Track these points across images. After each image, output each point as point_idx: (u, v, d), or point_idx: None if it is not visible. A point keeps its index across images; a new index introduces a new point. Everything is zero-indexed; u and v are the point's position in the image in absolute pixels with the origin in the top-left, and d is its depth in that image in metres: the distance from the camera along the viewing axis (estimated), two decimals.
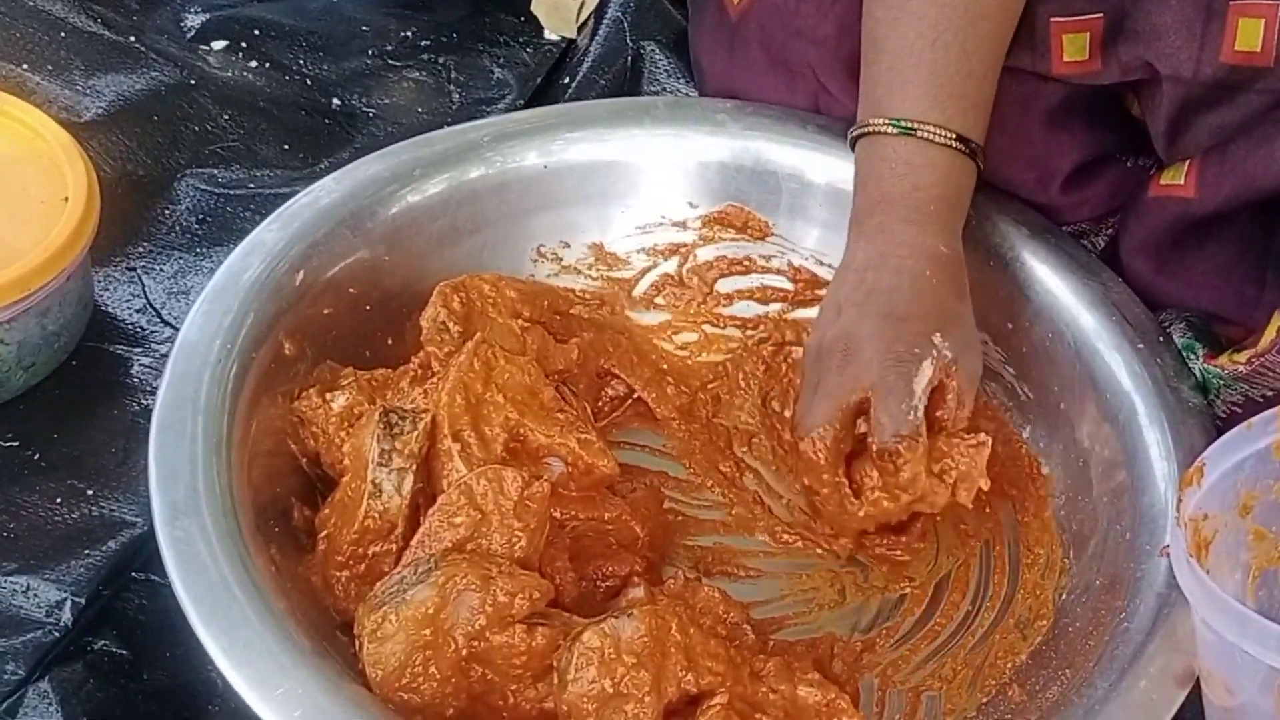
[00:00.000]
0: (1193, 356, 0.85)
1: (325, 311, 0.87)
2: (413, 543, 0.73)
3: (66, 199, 0.87)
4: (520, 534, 0.72)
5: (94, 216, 0.88)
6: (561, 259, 0.99)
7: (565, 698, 0.68)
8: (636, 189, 0.99)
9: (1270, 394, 0.82)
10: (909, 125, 0.85)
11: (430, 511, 0.73)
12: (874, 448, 0.81)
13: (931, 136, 0.85)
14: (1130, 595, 0.74)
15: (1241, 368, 0.82)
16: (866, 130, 0.87)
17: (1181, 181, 0.91)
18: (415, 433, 0.77)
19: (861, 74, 0.90)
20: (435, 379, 0.81)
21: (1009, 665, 0.78)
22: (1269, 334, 0.82)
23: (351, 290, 0.88)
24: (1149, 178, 0.93)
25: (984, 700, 0.77)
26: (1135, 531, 0.78)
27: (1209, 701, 0.69)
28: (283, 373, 0.82)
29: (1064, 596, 0.80)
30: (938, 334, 0.81)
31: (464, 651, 0.69)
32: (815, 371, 0.84)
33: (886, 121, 0.86)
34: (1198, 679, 0.70)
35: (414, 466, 0.76)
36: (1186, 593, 0.68)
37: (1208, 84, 0.86)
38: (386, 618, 0.68)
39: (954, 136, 0.85)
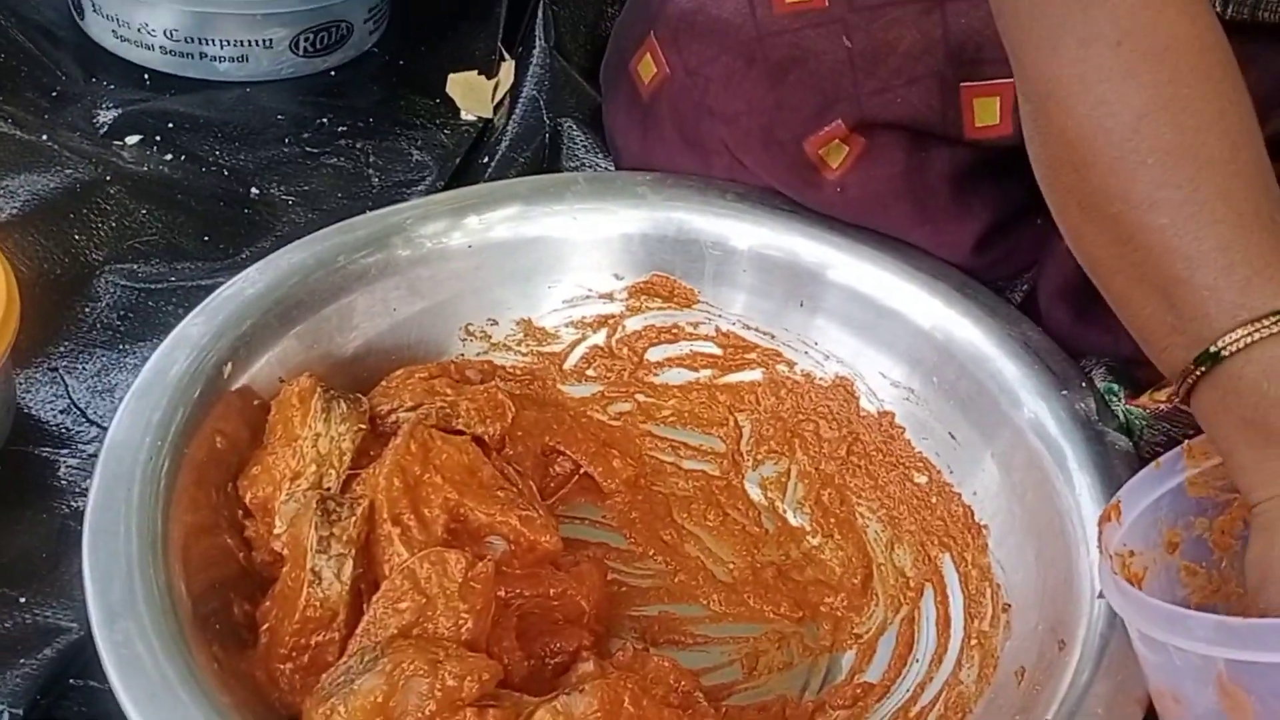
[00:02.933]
0: (1115, 399, 0.87)
1: (255, 403, 0.86)
2: (358, 631, 0.72)
3: None
4: (466, 616, 0.72)
5: (14, 319, 0.87)
6: (490, 336, 0.99)
7: None
8: (562, 264, 1.00)
9: (1192, 432, 0.84)
10: None
11: (374, 598, 0.72)
12: None
13: None
14: (1073, 636, 0.75)
15: (1163, 406, 0.84)
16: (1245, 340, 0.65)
17: None
18: (353, 518, 0.76)
19: (1170, 294, 0.67)
20: (372, 464, 0.81)
21: (962, 717, 0.78)
22: None
23: (281, 379, 0.88)
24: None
25: None
26: (1072, 575, 0.79)
27: None
28: (217, 466, 0.82)
29: (1010, 643, 0.81)
30: None
31: None
32: None
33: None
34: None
35: (353, 552, 0.76)
36: (1119, 610, 0.69)
37: None
38: (335, 709, 0.67)
39: None
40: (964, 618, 0.85)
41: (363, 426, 0.84)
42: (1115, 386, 0.88)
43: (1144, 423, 0.85)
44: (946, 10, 0.93)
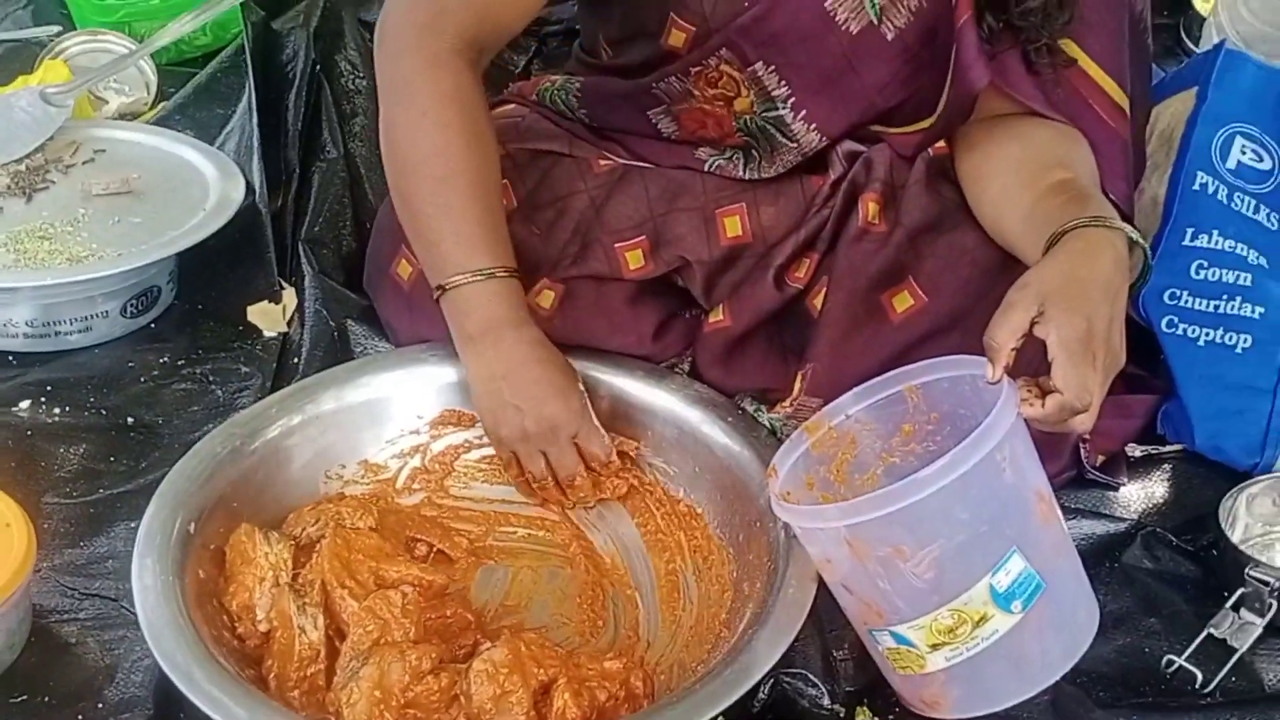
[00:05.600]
0: (760, 413, 1.39)
1: (211, 547, 1.26)
2: (343, 650, 1.14)
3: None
4: (410, 625, 1.15)
5: (32, 558, 1.21)
6: (343, 476, 1.41)
7: (472, 708, 1.11)
8: (382, 417, 1.43)
9: (808, 421, 1.36)
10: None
11: (351, 631, 1.14)
12: None
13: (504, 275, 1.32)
14: (771, 552, 1.25)
15: (789, 410, 1.36)
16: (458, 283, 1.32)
17: (722, 318, 1.45)
18: (313, 591, 1.18)
19: (430, 250, 1.35)
20: (308, 561, 1.23)
21: (719, 618, 1.26)
22: (795, 389, 1.38)
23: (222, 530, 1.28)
24: (703, 320, 1.47)
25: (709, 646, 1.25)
26: (761, 521, 1.29)
27: (830, 584, 1.19)
28: (204, 589, 1.21)
29: (734, 571, 1.29)
30: None
31: (401, 699, 1.10)
32: None
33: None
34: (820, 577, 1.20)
35: (320, 611, 1.17)
36: (788, 519, 1.18)
37: (717, 260, 1.43)
38: (351, 690, 1.09)
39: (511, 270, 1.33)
40: (704, 568, 1.33)
41: (291, 543, 1.26)
42: (760, 406, 1.40)
43: (779, 423, 1.38)
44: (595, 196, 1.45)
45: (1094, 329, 1.11)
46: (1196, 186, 1.50)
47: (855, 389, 1.24)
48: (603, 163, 1.48)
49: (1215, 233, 1.48)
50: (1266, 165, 1.53)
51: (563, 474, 1.35)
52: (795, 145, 1.43)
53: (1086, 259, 1.16)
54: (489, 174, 1.35)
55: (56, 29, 2.06)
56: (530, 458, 1.35)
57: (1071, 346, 1.09)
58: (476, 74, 1.35)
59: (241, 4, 1.84)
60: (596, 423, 1.34)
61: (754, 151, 1.45)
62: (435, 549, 1.36)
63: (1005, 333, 1.11)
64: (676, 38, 1.39)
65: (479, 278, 1.31)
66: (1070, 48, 1.33)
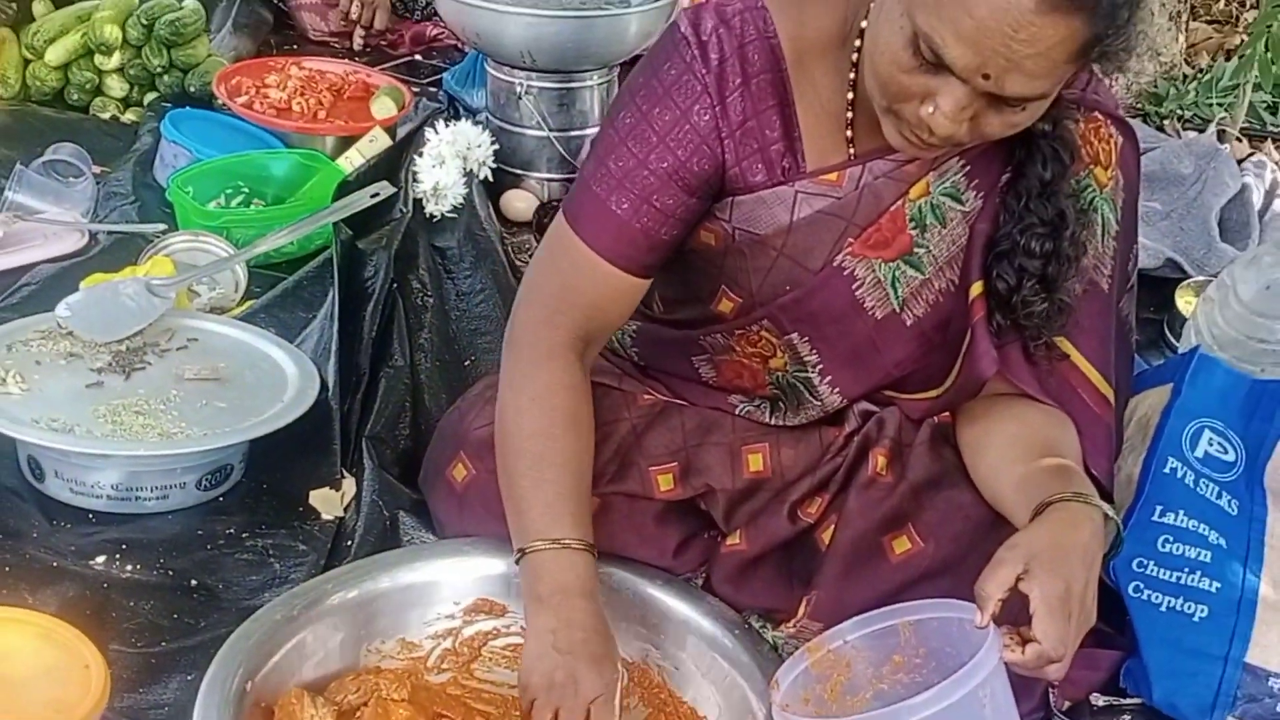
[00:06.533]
0: (766, 629, 1.54)
1: (262, 705, 1.40)
2: None
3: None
4: None
5: (106, 695, 1.36)
6: (382, 651, 1.55)
7: None
8: (423, 600, 1.58)
9: (810, 642, 1.52)
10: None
11: None
12: None
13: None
14: None
15: (792, 630, 1.52)
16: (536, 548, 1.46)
17: (738, 541, 1.62)
18: None
19: (516, 516, 1.49)
20: None
21: None
22: (800, 611, 1.54)
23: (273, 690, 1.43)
24: (721, 542, 1.64)
25: None
26: None
27: None
28: None
29: None
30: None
31: None
32: None
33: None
34: None
35: None
36: None
37: (739, 490, 1.61)
38: None
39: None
40: None
41: (334, 707, 1.41)
42: (766, 623, 1.55)
43: (782, 640, 1.53)
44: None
45: (1072, 590, 1.28)
46: (1167, 470, 1.69)
47: (855, 618, 1.40)
48: (646, 397, 1.68)
49: (1181, 512, 1.67)
50: (1230, 457, 1.72)
51: None
52: (819, 404, 1.63)
53: (1069, 528, 1.33)
54: (582, 456, 1.53)
55: (161, 227, 2.29)
56: (542, 709, 1.38)
57: (1052, 604, 1.26)
58: (584, 365, 1.56)
59: (334, 224, 2.07)
60: (617, 704, 1.40)
61: (781, 403, 1.65)
62: None
63: (994, 585, 1.28)
64: (725, 306, 1.60)
65: (556, 546, 1.45)
66: (1064, 344, 1.53)
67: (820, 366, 1.59)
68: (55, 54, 2.76)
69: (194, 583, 1.66)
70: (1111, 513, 1.39)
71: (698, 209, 1.51)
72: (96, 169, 2.49)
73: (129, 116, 2.80)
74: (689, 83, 1.46)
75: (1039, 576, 1.27)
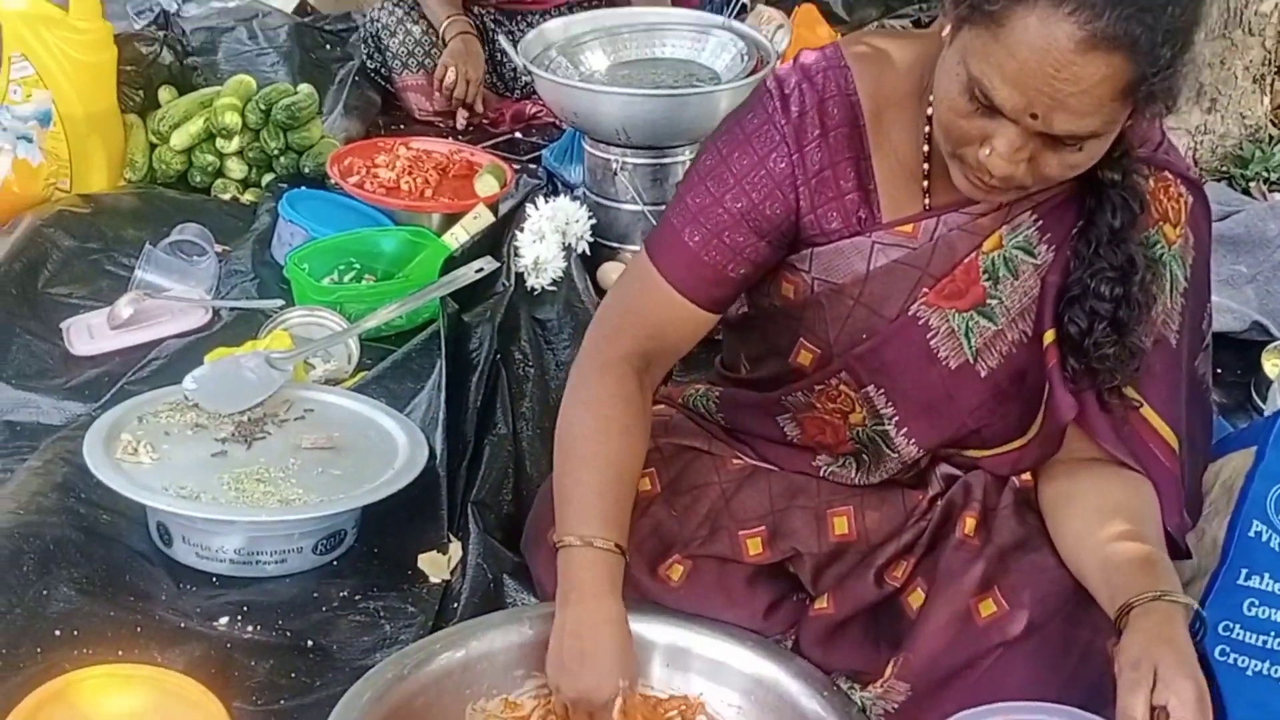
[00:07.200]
0: (854, 691, 1.59)
1: None
2: None
3: None
4: None
5: None
6: (486, 709, 1.63)
7: None
8: (526, 660, 1.66)
9: (898, 704, 1.57)
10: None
11: None
12: None
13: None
14: None
15: (879, 690, 1.57)
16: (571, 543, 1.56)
17: (826, 605, 1.68)
18: None
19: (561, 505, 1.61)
20: None
21: None
22: (887, 672, 1.59)
23: None
24: (808, 605, 1.70)
25: None
26: None
27: None
28: None
29: None
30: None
31: None
32: None
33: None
34: None
35: None
36: None
37: (826, 554, 1.67)
38: None
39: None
40: None
41: None
42: (853, 684, 1.61)
43: (870, 701, 1.58)
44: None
45: (1203, 688, 1.34)
46: (1252, 533, 1.71)
47: (956, 715, 1.43)
48: (735, 461, 1.75)
49: (1267, 575, 1.68)
50: None
51: None
52: (897, 455, 1.68)
53: (1172, 626, 1.39)
54: (626, 461, 1.61)
55: (279, 303, 2.42)
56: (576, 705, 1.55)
57: (1194, 707, 1.32)
58: (642, 380, 1.64)
59: (440, 298, 2.18)
60: (615, 714, 1.53)
61: (864, 457, 1.70)
62: None
63: (1142, 705, 1.33)
64: (805, 357, 1.66)
65: (580, 543, 1.55)
66: (1134, 394, 1.57)
67: (896, 419, 1.65)
68: (179, 139, 2.91)
69: (310, 643, 1.76)
70: (1194, 605, 1.45)
71: (767, 253, 1.60)
72: (219, 248, 2.64)
73: (248, 197, 2.94)
74: (769, 132, 1.56)
75: (1173, 684, 1.33)
